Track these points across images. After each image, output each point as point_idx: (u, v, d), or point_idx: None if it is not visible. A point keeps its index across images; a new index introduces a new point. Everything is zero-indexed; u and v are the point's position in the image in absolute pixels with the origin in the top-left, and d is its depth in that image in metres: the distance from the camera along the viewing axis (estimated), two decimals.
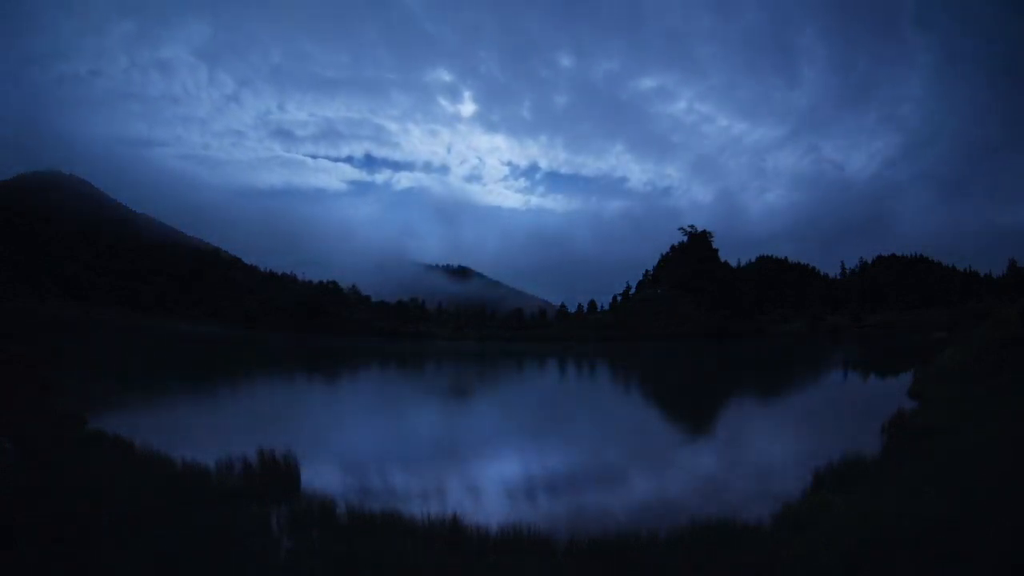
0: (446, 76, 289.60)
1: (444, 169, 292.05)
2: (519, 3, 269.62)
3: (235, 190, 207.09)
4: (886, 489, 8.07)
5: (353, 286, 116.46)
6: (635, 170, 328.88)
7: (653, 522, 7.62)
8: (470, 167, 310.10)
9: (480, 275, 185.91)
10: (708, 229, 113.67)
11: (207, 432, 14.66)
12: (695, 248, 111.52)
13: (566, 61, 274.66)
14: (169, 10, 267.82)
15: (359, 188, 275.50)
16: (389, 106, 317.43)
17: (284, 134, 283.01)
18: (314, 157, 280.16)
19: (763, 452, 14.20)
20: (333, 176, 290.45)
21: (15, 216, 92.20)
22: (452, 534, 7.29)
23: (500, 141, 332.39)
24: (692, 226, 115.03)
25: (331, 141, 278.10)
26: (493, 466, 12.85)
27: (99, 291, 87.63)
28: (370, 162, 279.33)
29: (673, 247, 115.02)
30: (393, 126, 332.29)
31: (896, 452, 10.85)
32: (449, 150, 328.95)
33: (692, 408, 23.03)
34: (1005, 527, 5.39)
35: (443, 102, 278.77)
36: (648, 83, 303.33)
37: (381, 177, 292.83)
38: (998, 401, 13.34)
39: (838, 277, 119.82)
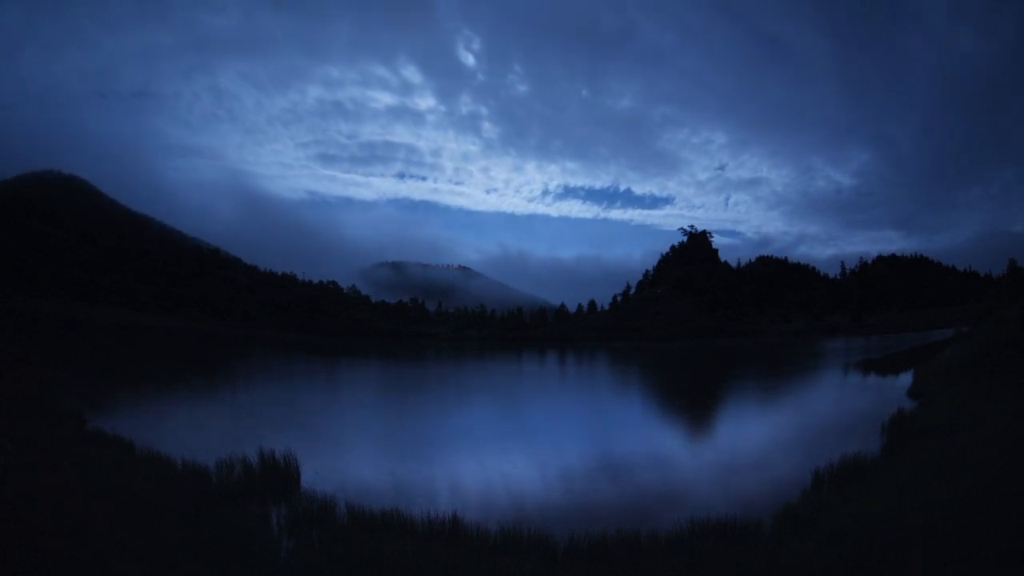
0: (471, 101, 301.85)
1: (462, 181, 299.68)
2: (546, 44, 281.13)
3: (261, 198, 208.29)
4: (886, 489, 8.07)
5: (353, 286, 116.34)
6: (639, 183, 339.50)
7: (653, 522, 7.62)
8: (488, 178, 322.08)
9: (481, 275, 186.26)
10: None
11: (207, 432, 14.64)
12: (695, 248, 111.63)
13: (585, 92, 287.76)
14: (221, 41, 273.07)
15: (382, 199, 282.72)
16: (421, 128, 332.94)
17: (322, 156, 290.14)
18: (346, 172, 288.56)
19: (763, 452, 14.18)
20: (362, 188, 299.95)
21: (15, 216, 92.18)
22: (452, 533, 7.28)
23: (518, 157, 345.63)
24: (692, 226, 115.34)
25: (367, 162, 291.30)
26: (490, 465, 12.81)
27: (99, 291, 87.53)
28: (399, 176, 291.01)
29: (673, 247, 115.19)
30: (424, 145, 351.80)
31: (896, 452, 10.85)
32: (470, 163, 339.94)
33: (691, 408, 23.01)
34: (1005, 527, 5.38)
35: (469, 123, 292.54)
36: (658, 112, 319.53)
37: (405, 188, 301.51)
38: (998, 401, 13.32)
39: (838, 277, 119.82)
